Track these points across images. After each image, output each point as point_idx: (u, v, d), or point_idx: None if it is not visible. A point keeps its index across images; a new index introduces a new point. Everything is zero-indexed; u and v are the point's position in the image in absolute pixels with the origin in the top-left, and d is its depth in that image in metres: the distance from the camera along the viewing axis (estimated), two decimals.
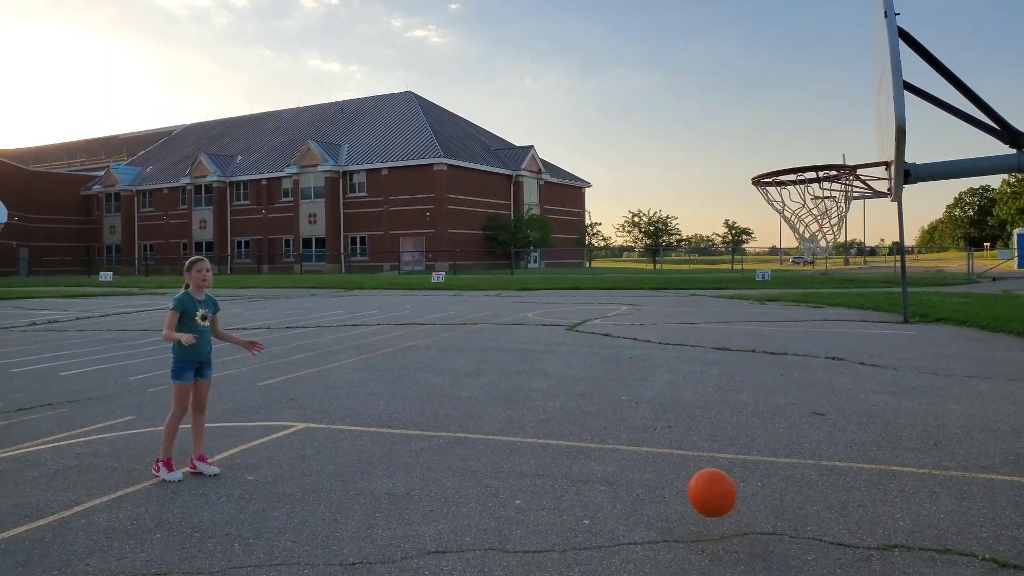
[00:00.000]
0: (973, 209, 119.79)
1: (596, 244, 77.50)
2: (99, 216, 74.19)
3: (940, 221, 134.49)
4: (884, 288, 25.19)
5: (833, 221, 6.94)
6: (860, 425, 6.35)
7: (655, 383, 8.48)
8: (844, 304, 18.97)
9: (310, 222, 61.04)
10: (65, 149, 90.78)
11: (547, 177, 67.51)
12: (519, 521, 4.23)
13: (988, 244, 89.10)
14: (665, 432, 6.23)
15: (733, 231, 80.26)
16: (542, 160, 67.88)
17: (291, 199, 62.00)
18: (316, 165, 59.67)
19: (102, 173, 74.45)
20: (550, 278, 38.22)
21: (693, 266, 72.19)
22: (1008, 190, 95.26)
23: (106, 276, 45.85)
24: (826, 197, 6.97)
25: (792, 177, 7.20)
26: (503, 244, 57.89)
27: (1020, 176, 79.72)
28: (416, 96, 68.07)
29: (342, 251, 59.40)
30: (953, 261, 65.08)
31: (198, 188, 66.96)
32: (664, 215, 74.20)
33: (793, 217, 7.05)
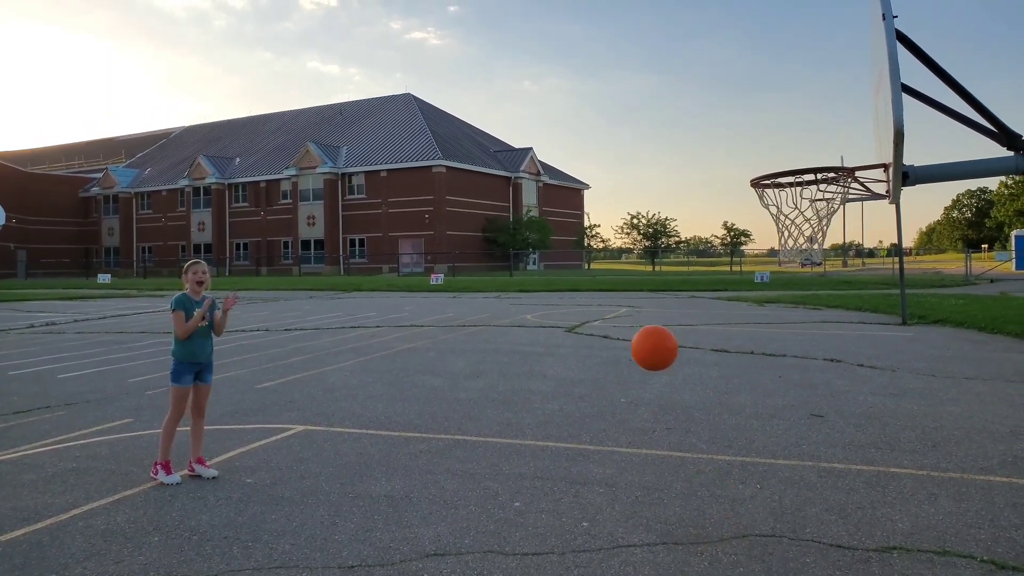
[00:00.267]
0: (971, 211, 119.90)
1: (595, 246, 77.55)
2: (97, 218, 74.13)
3: (938, 223, 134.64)
4: (882, 290, 25.21)
5: (825, 224, 6.96)
6: (859, 427, 6.36)
7: (654, 385, 8.48)
8: (842, 306, 18.97)
9: (309, 224, 61.03)
10: (63, 151, 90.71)
11: (546, 179, 67.54)
12: (518, 523, 4.23)
13: (986, 246, 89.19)
14: (664, 434, 6.23)
15: (732, 233, 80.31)
16: (541, 162, 67.92)
17: (290, 201, 61.99)
18: (315, 167, 59.66)
19: (100, 175, 74.40)
20: (549, 280, 38.22)
21: (692, 268, 72.19)
22: (1006, 192, 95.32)
23: (104, 278, 45.84)
24: (818, 200, 6.99)
25: (790, 179, 7.21)
26: (502, 246, 57.92)
27: (1018, 178, 79.84)
28: (415, 98, 68.11)
29: (341, 253, 59.38)
30: (951, 263, 65.15)
31: (197, 190, 66.93)
32: (663, 217, 74.34)
33: (786, 220, 7.06)
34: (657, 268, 63.21)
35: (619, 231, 78.00)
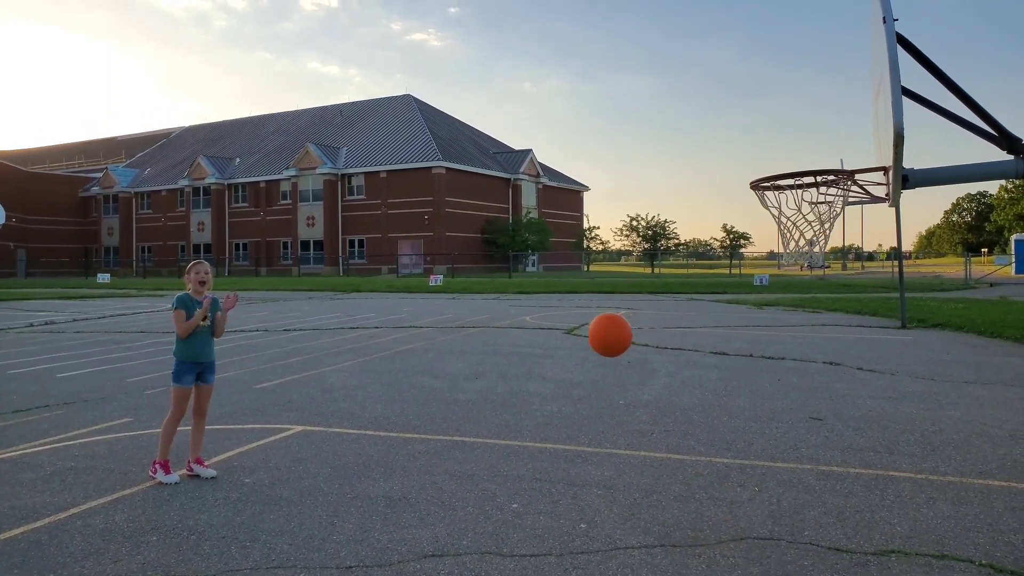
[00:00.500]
0: (971, 215, 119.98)
1: (594, 248, 77.59)
2: (97, 218, 74.15)
3: (938, 227, 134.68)
4: (882, 293, 25.22)
5: (827, 227, 6.93)
6: (857, 430, 6.36)
7: (653, 387, 8.48)
8: (842, 309, 18.99)
9: (308, 225, 61.04)
10: (64, 151, 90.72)
11: (545, 181, 67.57)
12: (516, 525, 4.23)
13: (986, 250, 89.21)
14: (662, 436, 6.23)
15: (731, 235, 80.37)
16: (540, 164, 67.94)
17: (289, 202, 62.01)
18: (315, 168, 59.68)
19: (100, 175, 74.44)
20: (548, 282, 38.23)
21: (691, 270, 72.24)
22: (1006, 196, 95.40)
23: (104, 278, 45.81)
24: (821, 203, 6.97)
25: (790, 182, 7.19)
26: (501, 247, 57.94)
27: (1018, 182, 79.90)
28: (415, 99, 68.15)
29: (340, 254, 59.38)
30: (951, 267, 65.19)
31: (196, 190, 66.95)
32: (662, 219, 74.48)
33: (788, 223, 7.04)
34: (656, 270, 63.23)
35: (618, 233, 78.13)
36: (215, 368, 5.38)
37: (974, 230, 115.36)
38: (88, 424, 6.85)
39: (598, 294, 28.04)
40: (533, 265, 64.21)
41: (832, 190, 7.03)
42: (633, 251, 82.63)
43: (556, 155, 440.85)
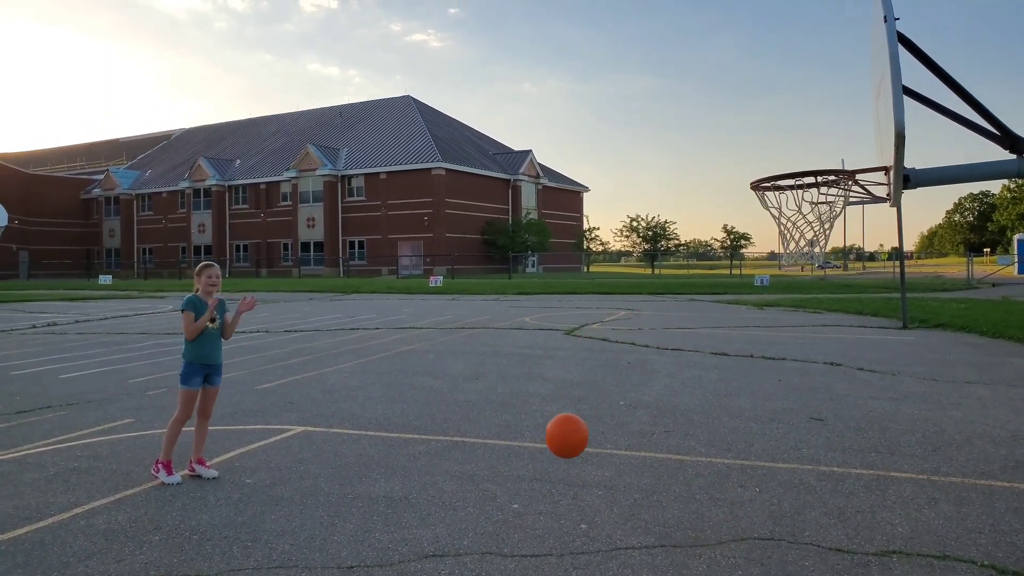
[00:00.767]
0: (973, 215, 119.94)
1: (594, 249, 77.60)
2: (99, 220, 74.21)
3: (940, 227, 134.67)
4: (883, 294, 25.20)
5: (827, 227, 6.93)
6: (858, 431, 6.35)
7: (653, 388, 8.48)
8: (843, 310, 18.98)
9: (308, 226, 61.06)
10: (65, 153, 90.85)
11: (545, 181, 67.57)
12: (517, 525, 4.23)
13: (988, 250, 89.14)
14: (663, 437, 6.23)
15: (732, 236, 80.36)
16: (540, 164, 67.94)
17: (290, 203, 62.03)
18: (315, 169, 59.71)
19: (102, 177, 74.51)
20: (548, 282, 38.22)
21: (691, 271, 72.20)
22: (1008, 195, 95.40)
23: (105, 279, 45.86)
24: (822, 203, 6.96)
25: (791, 182, 7.19)
26: (501, 248, 57.95)
27: (1020, 182, 79.88)
28: (415, 100, 68.18)
29: (340, 255, 59.40)
30: (953, 267, 65.16)
31: (197, 192, 66.99)
32: (662, 220, 74.47)
33: (788, 223, 7.04)
34: (656, 271, 63.24)
35: (618, 234, 78.14)
36: (222, 370, 5.38)
37: (976, 230, 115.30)
38: (91, 425, 6.85)
39: (598, 295, 28.03)
40: (533, 266, 64.21)
41: (833, 190, 7.03)
42: (633, 252, 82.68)
43: (556, 156, 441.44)
